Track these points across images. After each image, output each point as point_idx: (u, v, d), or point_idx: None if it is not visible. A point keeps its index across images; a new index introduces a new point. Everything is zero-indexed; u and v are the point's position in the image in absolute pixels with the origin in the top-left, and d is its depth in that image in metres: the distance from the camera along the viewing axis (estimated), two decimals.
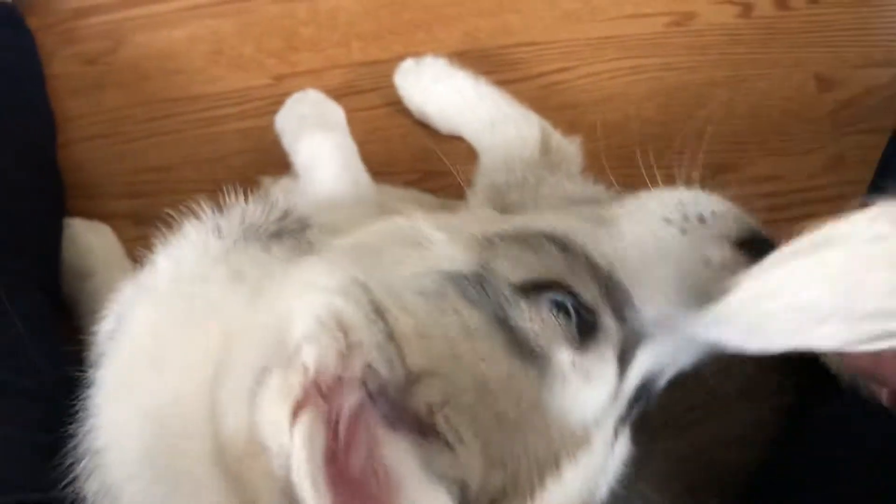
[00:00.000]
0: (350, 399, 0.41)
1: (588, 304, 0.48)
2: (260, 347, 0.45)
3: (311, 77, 1.02)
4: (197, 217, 0.61)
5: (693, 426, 0.70)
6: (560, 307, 0.47)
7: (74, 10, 1.04)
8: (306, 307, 0.45)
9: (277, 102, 0.90)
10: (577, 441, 0.46)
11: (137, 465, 0.52)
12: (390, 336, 0.44)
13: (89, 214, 0.95)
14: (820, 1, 1.08)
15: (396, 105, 1.00)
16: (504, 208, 0.77)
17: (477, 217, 0.54)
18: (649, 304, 0.49)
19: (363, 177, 0.80)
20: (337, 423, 0.40)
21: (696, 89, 1.05)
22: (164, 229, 0.61)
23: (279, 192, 0.68)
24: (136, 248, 0.91)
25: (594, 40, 1.06)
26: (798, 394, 0.73)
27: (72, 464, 0.56)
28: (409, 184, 0.98)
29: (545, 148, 0.89)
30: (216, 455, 0.46)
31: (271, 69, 1.03)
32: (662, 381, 0.52)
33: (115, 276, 0.67)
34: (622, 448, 0.52)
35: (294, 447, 0.38)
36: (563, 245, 0.50)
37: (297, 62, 1.03)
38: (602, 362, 0.47)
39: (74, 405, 0.58)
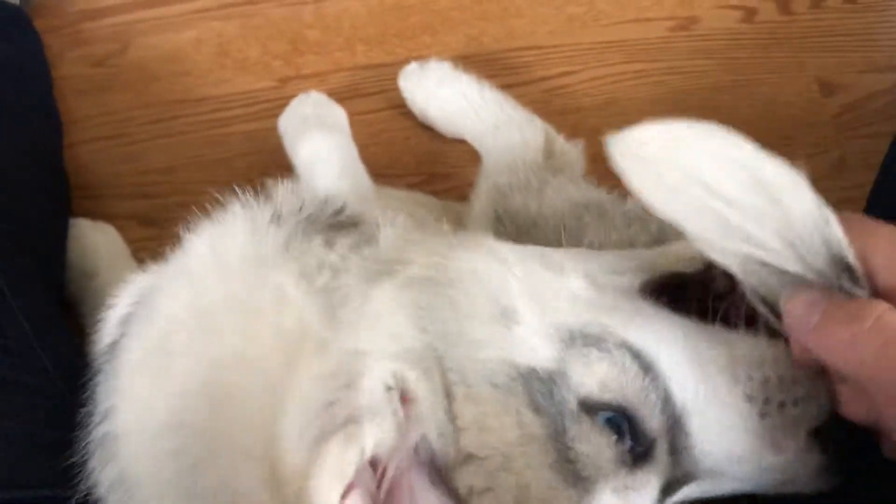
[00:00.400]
0: (399, 461, 0.43)
1: (648, 435, 0.47)
2: (329, 383, 0.47)
3: (315, 80, 1.03)
4: (242, 203, 0.60)
5: None
6: (618, 427, 0.47)
7: (82, 12, 1.05)
8: (378, 367, 0.46)
9: (282, 105, 0.91)
10: None
11: (163, 449, 0.51)
12: (452, 417, 0.46)
13: (95, 215, 0.96)
14: (823, 6, 1.09)
15: (400, 108, 1.01)
16: (511, 215, 0.77)
17: (570, 292, 0.52)
18: (709, 457, 0.48)
19: (363, 178, 0.80)
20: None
21: (700, 94, 1.05)
22: (199, 214, 0.60)
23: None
24: (142, 249, 0.93)
25: (598, 45, 1.06)
26: None
27: (82, 461, 0.56)
28: (412, 186, 0.98)
29: (548, 152, 0.89)
30: (272, 479, 0.47)
31: (277, 72, 1.04)
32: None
33: (119, 276, 0.66)
34: None
35: None
36: (646, 366, 0.48)
37: (302, 65, 1.04)
38: (644, 491, 0.47)
39: (80, 402, 0.58)
